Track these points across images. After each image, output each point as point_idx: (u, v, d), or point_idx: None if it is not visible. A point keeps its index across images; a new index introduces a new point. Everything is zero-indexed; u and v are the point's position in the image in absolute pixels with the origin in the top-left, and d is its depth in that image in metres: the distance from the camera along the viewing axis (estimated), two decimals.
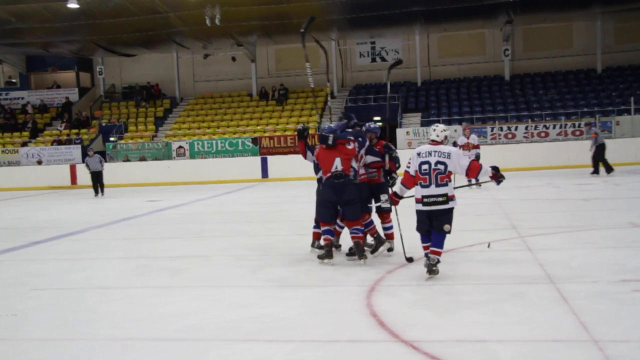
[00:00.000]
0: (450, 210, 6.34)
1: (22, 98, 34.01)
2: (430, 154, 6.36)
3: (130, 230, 11.65)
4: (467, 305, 5.37)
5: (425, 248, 6.50)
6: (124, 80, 34.19)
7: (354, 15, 24.76)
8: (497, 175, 6.45)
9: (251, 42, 29.60)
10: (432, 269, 6.25)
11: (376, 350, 4.42)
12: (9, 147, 28.80)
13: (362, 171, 7.48)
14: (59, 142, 28.66)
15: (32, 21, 24.89)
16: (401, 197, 6.81)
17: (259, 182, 23.51)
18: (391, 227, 7.62)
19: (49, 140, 29.30)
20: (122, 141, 28.33)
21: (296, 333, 4.86)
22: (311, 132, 20.05)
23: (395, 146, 24.92)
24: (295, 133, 7.27)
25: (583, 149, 20.62)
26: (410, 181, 6.49)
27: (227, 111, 30.51)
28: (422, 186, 6.35)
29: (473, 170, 6.34)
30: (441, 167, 6.28)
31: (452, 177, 6.42)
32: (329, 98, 8.84)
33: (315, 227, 7.85)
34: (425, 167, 6.34)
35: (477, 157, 16.11)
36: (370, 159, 7.59)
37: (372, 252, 7.59)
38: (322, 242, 7.50)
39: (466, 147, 16.18)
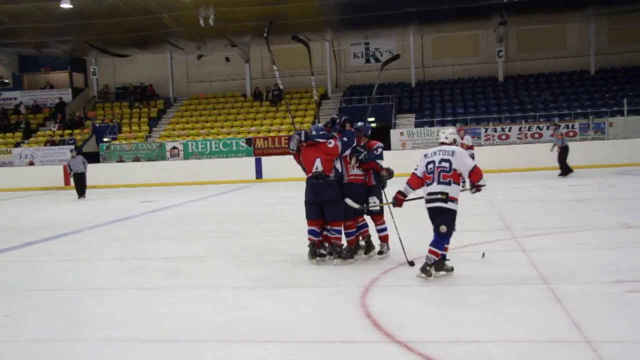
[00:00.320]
0: (448, 210, 6.28)
1: (15, 98, 33.90)
2: (435, 153, 6.46)
3: (124, 231, 11.62)
4: (461, 306, 5.38)
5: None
6: (117, 80, 34.11)
7: (348, 16, 24.78)
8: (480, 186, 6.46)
9: (245, 43, 29.59)
10: (425, 268, 6.25)
11: (371, 350, 4.43)
12: (2, 147, 28.70)
13: (356, 172, 7.40)
14: (52, 143, 28.56)
15: (25, 21, 24.81)
16: (405, 196, 6.78)
17: (253, 183, 23.50)
18: (385, 229, 7.57)
19: (42, 140, 29.21)
20: (116, 142, 28.26)
21: (291, 334, 4.85)
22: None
23: (389, 147, 24.89)
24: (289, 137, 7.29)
25: (578, 150, 20.72)
26: (415, 182, 6.58)
27: (221, 112, 30.48)
28: (427, 185, 6.44)
29: (476, 174, 6.36)
30: (445, 164, 6.32)
31: (460, 181, 6.41)
32: (315, 96, 8.79)
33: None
34: (430, 166, 6.43)
35: (471, 158, 16.14)
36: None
37: (365, 253, 7.61)
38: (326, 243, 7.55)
39: (460, 147, 16.21)
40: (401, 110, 28.52)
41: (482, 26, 28.86)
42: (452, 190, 6.29)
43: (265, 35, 8.13)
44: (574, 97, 27.67)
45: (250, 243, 9.26)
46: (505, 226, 9.66)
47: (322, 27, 26.64)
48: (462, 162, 6.33)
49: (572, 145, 22.80)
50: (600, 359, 4.03)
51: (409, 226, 9.86)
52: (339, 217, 7.26)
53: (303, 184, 7.56)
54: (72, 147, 23.94)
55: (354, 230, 7.49)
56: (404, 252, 7.10)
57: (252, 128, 28.09)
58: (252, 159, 25.04)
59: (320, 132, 7.37)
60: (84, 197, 19.32)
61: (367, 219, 7.69)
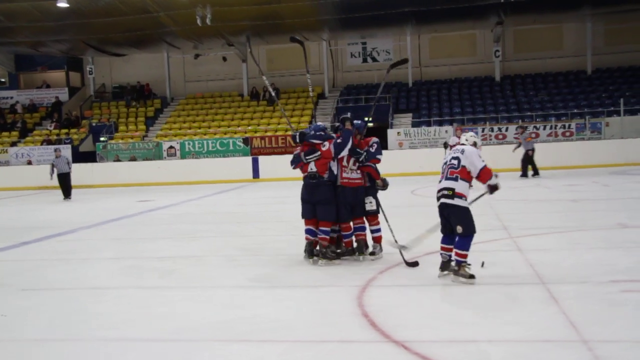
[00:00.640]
0: (457, 207, 6.18)
1: (11, 97, 33.83)
2: (450, 154, 6.47)
3: (121, 231, 11.61)
4: (458, 306, 5.39)
5: (442, 248, 6.40)
6: (114, 79, 34.07)
7: (345, 16, 24.78)
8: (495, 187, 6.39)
9: (242, 42, 29.55)
10: (454, 270, 6.14)
11: (368, 350, 4.43)
12: None
13: (350, 175, 7.29)
14: (49, 142, 28.50)
15: (21, 20, 24.76)
16: None
17: (250, 183, 23.48)
18: (379, 230, 7.52)
19: (39, 140, 29.15)
20: (113, 141, 28.22)
21: (288, 333, 4.86)
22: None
23: (386, 147, 24.87)
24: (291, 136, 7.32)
25: (575, 150, 20.77)
26: None
27: (218, 111, 30.47)
28: (438, 183, 6.39)
29: (485, 175, 6.28)
30: (454, 162, 6.31)
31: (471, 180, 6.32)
32: (310, 94, 8.79)
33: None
34: (444, 166, 6.42)
35: None
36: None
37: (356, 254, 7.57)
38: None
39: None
40: (398, 109, 28.53)
41: (479, 26, 28.88)
42: (459, 186, 6.21)
43: (231, 44, 8.15)
44: (570, 97, 27.72)
45: (247, 243, 9.26)
46: (502, 226, 9.67)
47: (319, 26, 26.63)
48: (471, 161, 6.24)
49: (569, 145, 22.97)
50: (597, 358, 4.04)
51: (408, 226, 9.89)
52: (329, 217, 7.25)
53: (300, 184, 7.57)
54: (58, 146, 23.73)
55: (350, 232, 7.47)
56: (401, 253, 7.07)
57: (249, 127, 28.07)
58: (249, 159, 25.03)
59: (318, 133, 7.37)
60: (69, 198, 18.86)
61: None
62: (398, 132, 25.31)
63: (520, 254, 7.41)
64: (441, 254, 6.39)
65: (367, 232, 7.56)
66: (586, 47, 29.38)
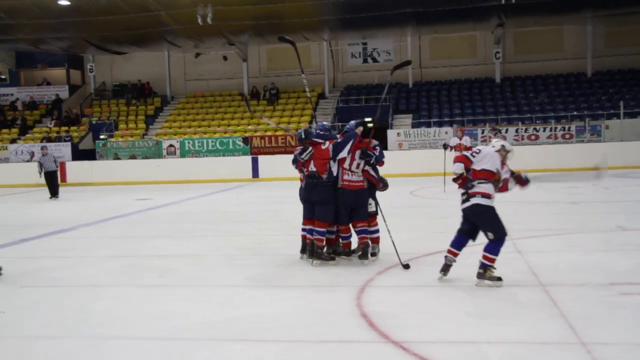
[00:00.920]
0: (477, 206, 6.08)
1: (12, 94, 33.81)
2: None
3: (120, 229, 11.60)
4: (457, 307, 5.39)
5: (449, 251, 6.33)
6: (114, 78, 34.04)
7: (345, 16, 24.77)
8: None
9: (243, 42, 29.56)
10: (479, 273, 6.07)
11: (366, 350, 4.43)
12: None
13: (351, 177, 7.20)
14: (49, 140, 28.48)
15: (22, 17, 24.73)
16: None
17: (249, 182, 23.48)
18: (377, 231, 7.47)
19: (39, 137, 29.13)
20: (113, 139, 28.21)
21: (286, 333, 4.86)
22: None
23: (386, 147, 24.84)
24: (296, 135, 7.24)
25: (574, 152, 20.75)
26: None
27: (218, 110, 30.46)
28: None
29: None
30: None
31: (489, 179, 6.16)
32: (308, 94, 8.78)
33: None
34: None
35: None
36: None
37: (347, 255, 7.54)
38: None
39: (458, 148, 16.20)
40: (398, 110, 28.53)
41: (480, 27, 28.89)
42: (482, 186, 6.10)
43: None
44: (570, 99, 27.73)
45: (246, 242, 9.25)
46: None
47: (319, 26, 26.63)
48: (481, 160, 6.13)
49: (568, 147, 22.96)
50: None
51: (408, 227, 9.90)
52: (326, 218, 7.22)
53: (299, 184, 7.57)
54: (44, 144, 23.56)
55: (349, 234, 7.45)
56: (397, 254, 7.07)
57: (249, 127, 28.07)
58: (248, 158, 25.02)
59: (321, 132, 7.37)
60: (56, 196, 18.36)
61: None
62: (398, 133, 25.31)
63: (520, 256, 7.41)
64: (446, 256, 6.32)
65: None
66: (586, 49, 29.39)
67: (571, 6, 25.06)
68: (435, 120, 26.89)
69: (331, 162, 7.22)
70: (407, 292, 5.96)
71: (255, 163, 24.58)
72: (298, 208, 7.51)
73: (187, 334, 4.94)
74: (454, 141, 16.60)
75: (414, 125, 26.58)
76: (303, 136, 7.37)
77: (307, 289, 6.25)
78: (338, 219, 7.33)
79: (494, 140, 6.40)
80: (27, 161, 26.70)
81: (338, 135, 7.38)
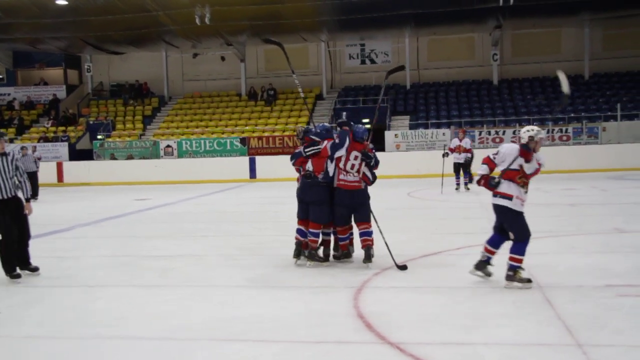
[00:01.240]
0: (506, 210, 6.10)
1: (9, 94, 33.75)
2: None
3: (118, 229, 11.60)
4: (453, 308, 5.40)
5: (485, 249, 6.29)
6: (112, 78, 34.02)
7: (344, 17, 24.79)
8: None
9: (241, 42, 29.57)
10: (508, 275, 6.03)
11: (363, 351, 4.44)
12: None
13: (350, 177, 7.15)
14: (46, 140, 28.46)
15: (19, 16, 24.71)
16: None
17: (247, 182, 23.49)
18: (371, 233, 7.32)
19: (36, 137, 29.09)
20: (110, 139, 28.18)
21: (284, 334, 4.86)
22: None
23: (383, 148, 24.84)
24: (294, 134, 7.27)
25: (571, 154, 20.77)
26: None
27: (215, 111, 30.44)
28: None
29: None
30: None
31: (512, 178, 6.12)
32: (302, 95, 8.79)
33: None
34: None
35: (467, 161, 16.16)
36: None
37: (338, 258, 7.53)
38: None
39: (457, 149, 16.22)
40: (396, 111, 28.56)
41: (478, 29, 28.92)
42: (504, 186, 6.11)
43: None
44: (568, 102, 27.73)
45: (244, 242, 9.26)
46: None
47: (318, 27, 26.65)
48: (503, 161, 6.10)
49: (565, 149, 22.99)
50: None
51: (405, 228, 9.91)
52: (320, 219, 7.21)
53: (297, 184, 7.57)
54: (24, 145, 23.28)
55: (346, 236, 7.42)
56: (392, 256, 7.05)
57: (247, 127, 28.07)
58: (246, 159, 25.04)
59: (319, 131, 7.37)
60: (35, 198, 17.45)
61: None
62: (395, 134, 25.33)
63: None
64: (481, 252, 6.30)
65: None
66: (584, 52, 29.44)
67: (569, 9, 25.09)
68: (432, 121, 26.92)
69: (328, 162, 7.21)
70: (404, 294, 5.97)
71: (252, 164, 24.60)
72: (296, 208, 7.50)
73: (187, 333, 4.95)
74: (454, 142, 16.60)
75: (411, 127, 26.60)
76: (301, 136, 7.39)
77: (306, 290, 6.25)
78: (335, 220, 7.31)
79: (522, 131, 6.17)
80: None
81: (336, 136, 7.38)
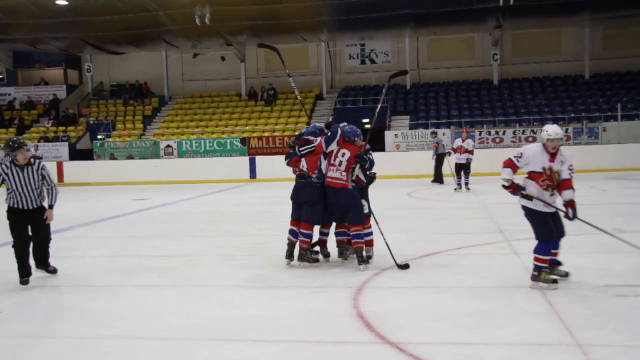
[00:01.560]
0: (524, 207, 6.06)
1: (9, 94, 33.77)
2: None
3: (118, 229, 11.60)
4: (453, 308, 5.40)
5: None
6: (112, 78, 34.03)
7: (344, 17, 24.79)
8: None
9: (241, 42, 29.57)
10: (533, 275, 5.99)
11: (363, 351, 4.44)
12: None
13: (337, 174, 7.04)
14: (46, 139, 28.46)
15: (19, 17, 24.71)
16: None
17: (247, 182, 23.48)
18: (371, 234, 7.34)
19: (36, 137, 29.09)
20: (110, 139, 28.18)
21: (284, 334, 4.86)
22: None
23: (383, 148, 24.82)
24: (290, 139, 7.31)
25: (572, 154, 20.70)
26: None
27: (215, 111, 30.45)
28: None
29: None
30: None
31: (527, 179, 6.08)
32: (298, 97, 8.80)
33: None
34: None
35: (468, 161, 16.14)
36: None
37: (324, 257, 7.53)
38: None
39: (459, 150, 16.22)
40: (396, 112, 28.55)
41: (478, 29, 28.92)
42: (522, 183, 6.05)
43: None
44: (568, 102, 27.77)
45: (244, 242, 9.26)
46: (498, 229, 9.69)
47: (317, 27, 26.64)
48: (526, 164, 6.07)
49: (565, 149, 22.93)
50: None
51: (405, 228, 9.91)
52: (313, 220, 7.19)
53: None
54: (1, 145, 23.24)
55: (326, 231, 7.42)
56: (392, 256, 7.03)
57: (247, 127, 28.07)
58: (246, 159, 25.03)
59: (313, 130, 7.40)
60: None
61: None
62: (395, 134, 25.32)
63: (516, 257, 7.43)
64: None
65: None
66: (584, 51, 29.44)
67: (569, 9, 25.08)
68: (432, 121, 26.91)
69: (322, 159, 7.18)
70: (404, 293, 5.97)
71: (252, 163, 24.59)
72: None
73: (186, 333, 4.94)
74: (457, 143, 16.60)
75: (411, 127, 26.60)
76: (293, 144, 7.42)
77: (305, 290, 6.25)
78: (327, 217, 7.30)
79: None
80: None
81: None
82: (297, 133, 7.73)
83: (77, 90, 34.29)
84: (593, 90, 28.55)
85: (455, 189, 16.19)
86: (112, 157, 26.74)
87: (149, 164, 25.56)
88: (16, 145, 6.61)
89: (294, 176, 7.74)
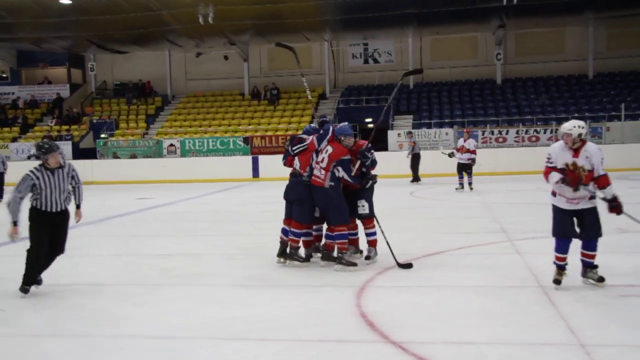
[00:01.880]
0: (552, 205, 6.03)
1: (13, 93, 33.83)
2: None
3: (120, 228, 11.61)
4: (456, 308, 5.39)
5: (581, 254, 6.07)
6: (115, 77, 34.06)
7: (347, 17, 24.78)
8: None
9: (244, 41, 29.57)
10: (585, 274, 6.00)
11: (365, 350, 4.43)
12: None
13: (318, 173, 6.99)
14: (50, 138, 28.40)
15: (23, 16, 24.75)
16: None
17: (249, 182, 23.48)
18: (374, 234, 7.33)
19: (39, 135, 29.11)
20: (113, 138, 28.22)
21: (285, 333, 4.86)
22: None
23: (386, 148, 24.81)
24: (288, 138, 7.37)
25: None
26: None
27: (218, 110, 30.47)
28: None
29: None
30: None
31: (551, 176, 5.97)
32: (309, 96, 8.82)
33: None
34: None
35: (470, 161, 16.10)
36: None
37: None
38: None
39: (461, 149, 16.19)
40: (399, 111, 28.53)
41: (481, 29, 28.88)
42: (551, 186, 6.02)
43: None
44: (571, 101, 27.71)
45: (246, 242, 9.26)
46: (501, 229, 9.67)
47: (321, 27, 26.64)
48: (554, 162, 6.01)
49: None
50: None
51: (407, 228, 9.91)
52: (301, 219, 7.16)
53: None
54: None
55: (302, 231, 7.32)
56: (394, 256, 7.02)
57: (250, 127, 28.08)
58: (249, 158, 25.03)
59: (307, 129, 7.49)
60: (1, 199, 17.13)
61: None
62: (398, 134, 25.30)
63: (519, 257, 7.42)
64: (580, 258, 6.11)
65: (362, 235, 7.48)
66: (588, 51, 29.37)
67: (573, 8, 25.04)
68: (435, 121, 26.88)
69: (314, 157, 7.16)
70: (407, 293, 5.97)
71: (255, 163, 24.59)
72: None
73: (187, 332, 4.94)
74: (459, 142, 16.59)
75: (414, 126, 26.56)
76: (288, 146, 7.47)
77: (307, 289, 6.25)
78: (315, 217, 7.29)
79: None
80: (29, 157, 26.80)
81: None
82: (299, 133, 7.74)
83: (80, 90, 34.34)
84: (597, 90, 28.50)
85: (456, 189, 16.16)
86: (115, 156, 26.77)
87: (152, 163, 25.57)
88: (48, 149, 6.33)
89: None
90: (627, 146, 23.08)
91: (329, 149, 7.01)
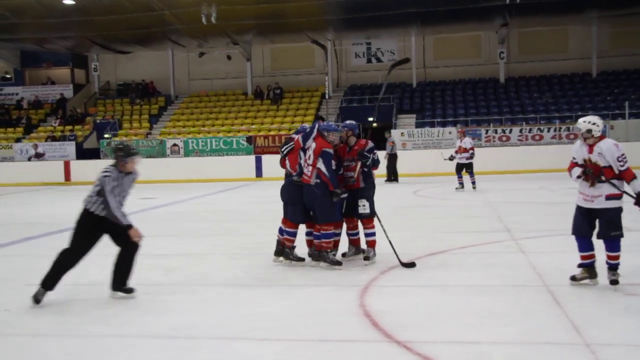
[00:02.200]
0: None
1: (17, 94, 33.89)
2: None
3: None
4: (460, 307, 5.38)
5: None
6: (118, 77, 34.11)
7: (349, 16, 24.76)
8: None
9: (247, 41, 29.57)
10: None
11: (369, 350, 4.42)
12: (3, 142, 28.67)
13: (306, 170, 6.97)
14: (53, 139, 28.55)
15: (26, 16, 24.78)
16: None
17: (253, 181, 23.48)
18: (373, 234, 7.25)
19: (43, 136, 29.20)
20: (116, 138, 28.24)
21: (288, 332, 4.85)
22: None
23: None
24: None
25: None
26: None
27: (222, 110, 30.47)
28: None
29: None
30: None
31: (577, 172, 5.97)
32: (327, 95, 8.82)
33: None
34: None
35: (468, 160, 16.04)
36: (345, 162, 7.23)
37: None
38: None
39: (459, 150, 16.16)
40: (402, 110, 28.50)
41: (484, 27, 28.84)
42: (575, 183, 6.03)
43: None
44: (575, 100, 27.66)
45: (249, 241, 9.26)
46: (505, 228, 9.65)
47: (323, 26, 26.62)
48: (576, 157, 6.01)
49: (568, 148, 22.86)
50: None
51: (411, 227, 9.90)
52: (294, 218, 7.17)
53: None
54: None
55: (317, 234, 7.22)
56: (397, 255, 7.00)
57: (253, 126, 28.08)
58: (252, 157, 25.03)
59: (298, 130, 7.50)
60: None
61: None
62: (402, 133, 25.27)
63: (523, 256, 7.40)
64: None
65: (362, 235, 7.44)
66: (591, 49, 29.30)
67: (576, 6, 24.98)
68: (439, 120, 26.85)
69: (301, 155, 7.14)
70: (411, 292, 5.95)
71: (259, 162, 24.58)
72: None
73: (188, 332, 4.94)
74: (457, 143, 16.58)
75: (417, 125, 26.55)
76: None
77: (310, 288, 6.24)
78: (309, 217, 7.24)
79: None
80: (29, 159, 26.86)
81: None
82: (291, 133, 7.78)
83: (84, 90, 34.38)
84: (600, 88, 28.44)
85: (456, 189, 16.11)
86: None
87: (156, 163, 25.58)
88: (133, 153, 6.18)
89: None
90: (631, 144, 22.97)
91: (313, 145, 7.00)
